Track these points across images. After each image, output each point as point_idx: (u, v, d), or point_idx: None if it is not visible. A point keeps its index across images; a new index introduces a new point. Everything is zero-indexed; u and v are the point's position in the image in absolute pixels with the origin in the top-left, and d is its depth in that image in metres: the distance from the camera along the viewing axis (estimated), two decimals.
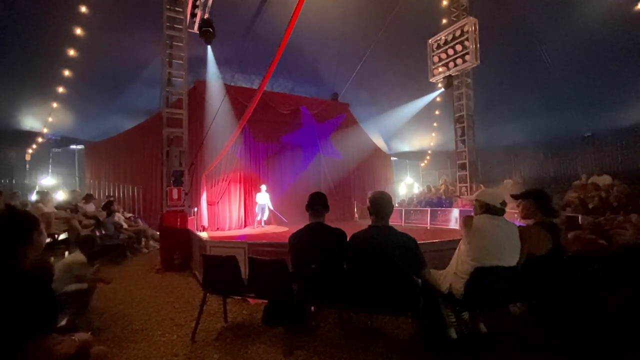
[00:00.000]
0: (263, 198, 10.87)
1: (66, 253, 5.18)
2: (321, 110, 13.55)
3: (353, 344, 2.60)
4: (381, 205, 2.40)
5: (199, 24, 6.87)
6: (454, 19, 10.05)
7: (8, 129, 10.29)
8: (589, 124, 11.69)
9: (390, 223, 2.45)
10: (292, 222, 10.72)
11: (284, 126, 12.78)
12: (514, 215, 3.01)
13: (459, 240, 2.50)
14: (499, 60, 10.53)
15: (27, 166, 10.56)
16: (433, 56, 10.43)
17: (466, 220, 2.38)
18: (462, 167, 10.75)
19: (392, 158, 16.94)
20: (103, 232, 6.42)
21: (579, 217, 6.59)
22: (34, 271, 1.28)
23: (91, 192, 8.95)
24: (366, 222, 2.54)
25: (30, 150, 10.51)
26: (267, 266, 2.71)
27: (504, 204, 2.39)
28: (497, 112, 12.20)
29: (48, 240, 5.25)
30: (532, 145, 13.37)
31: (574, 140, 12.37)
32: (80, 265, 3.19)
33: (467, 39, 9.25)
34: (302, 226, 2.75)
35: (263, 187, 11.00)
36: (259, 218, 10.98)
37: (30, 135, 10.49)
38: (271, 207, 11.13)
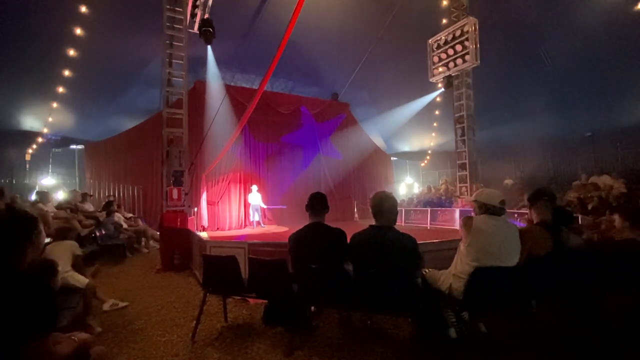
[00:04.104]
0: (255, 198, 10.88)
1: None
2: (321, 110, 13.56)
3: (353, 344, 2.60)
4: (382, 205, 2.39)
5: (199, 24, 6.86)
6: (454, 19, 10.05)
7: (8, 129, 10.30)
8: (589, 124, 11.70)
9: None
10: (291, 222, 10.72)
11: (284, 126, 12.78)
12: (514, 215, 3.01)
13: (459, 240, 2.49)
14: (499, 60, 10.53)
15: (27, 166, 10.57)
16: (433, 56, 10.43)
17: (466, 221, 2.38)
18: (462, 167, 10.75)
19: (392, 158, 16.95)
20: (103, 232, 6.42)
21: (579, 217, 6.60)
22: (33, 271, 1.28)
23: (91, 192, 8.95)
24: (366, 222, 2.54)
25: (30, 150, 10.52)
26: (267, 266, 2.71)
27: (502, 203, 2.38)
28: (497, 112, 12.20)
29: (48, 240, 5.24)
30: (532, 145, 13.37)
31: (574, 140, 12.37)
32: (77, 247, 3.33)
33: (467, 39, 9.25)
34: (301, 226, 2.75)
35: (254, 187, 11.00)
36: (251, 219, 10.97)
37: (30, 135, 10.50)
38: (263, 206, 11.13)
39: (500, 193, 2.46)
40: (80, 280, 3.18)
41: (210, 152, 9.64)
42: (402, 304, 2.28)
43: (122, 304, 3.53)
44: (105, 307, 3.42)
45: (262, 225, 11.00)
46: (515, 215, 7.74)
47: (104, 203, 7.96)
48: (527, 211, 2.72)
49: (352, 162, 14.23)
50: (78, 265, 3.37)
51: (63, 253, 3.27)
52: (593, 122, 11.47)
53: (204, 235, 7.76)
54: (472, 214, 2.55)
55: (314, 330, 2.87)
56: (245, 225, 11.38)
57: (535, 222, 2.61)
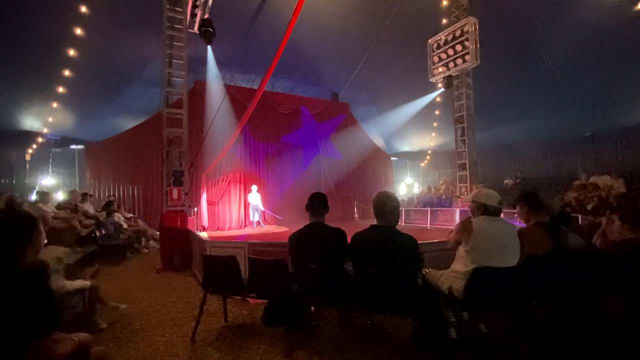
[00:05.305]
0: (254, 198, 10.88)
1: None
2: (321, 110, 13.56)
3: (353, 344, 2.60)
4: (385, 205, 2.39)
5: (199, 24, 6.86)
6: (454, 19, 10.06)
7: (8, 129, 10.30)
8: (589, 124, 11.70)
9: None
10: (291, 222, 10.72)
11: (284, 126, 12.78)
12: (513, 215, 3.00)
13: (456, 241, 2.47)
14: (499, 60, 10.53)
15: (27, 166, 10.57)
16: (433, 56, 10.43)
17: (466, 224, 2.35)
18: (462, 167, 10.75)
19: (392, 158, 16.95)
20: (103, 232, 6.42)
21: (579, 217, 6.60)
22: (32, 271, 1.28)
23: (91, 192, 8.95)
24: (366, 222, 2.55)
25: (30, 150, 10.52)
26: (267, 266, 2.71)
27: (500, 203, 2.38)
28: (497, 112, 12.20)
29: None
30: (532, 145, 13.37)
31: (574, 140, 12.37)
32: (67, 254, 3.24)
33: (467, 39, 9.25)
34: (301, 226, 2.75)
35: (254, 187, 11.03)
36: (251, 219, 11.00)
37: (30, 135, 10.49)
38: (262, 208, 11.14)
39: (497, 193, 2.46)
40: (76, 285, 3.07)
41: (210, 152, 9.64)
42: (402, 304, 2.28)
43: (122, 306, 3.48)
44: (107, 310, 3.33)
45: (262, 225, 11.00)
46: (515, 215, 7.74)
47: (104, 203, 7.96)
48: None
49: (352, 162, 14.23)
50: (70, 272, 3.16)
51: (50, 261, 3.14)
52: (593, 122, 11.46)
53: (204, 235, 7.76)
54: (470, 214, 2.54)
55: (314, 330, 2.87)
56: (245, 225, 11.38)
57: (534, 222, 2.60)
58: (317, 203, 2.72)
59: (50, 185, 10.07)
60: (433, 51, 10.42)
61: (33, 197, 7.02)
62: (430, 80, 10.79)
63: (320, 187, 12.65)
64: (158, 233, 6.95)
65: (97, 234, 6.28)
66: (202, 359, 2.49)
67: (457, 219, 9.77)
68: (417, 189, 15.67)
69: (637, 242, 2.52)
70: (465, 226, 2.33)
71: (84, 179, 10.99)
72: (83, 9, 7.93)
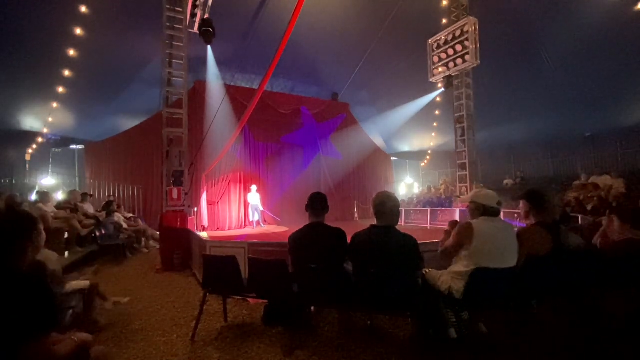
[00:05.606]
0: (254, 198, 10.89)
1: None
2: (321, 110, 13.56)
3: (353, 344, 2.60)
4: (385, 205, 2.39)
5: (199, 24, 6.85)
6: (454, 19, 10.05)
7: (8, 129, 10.31)
8: (589, 124, 11.70)
9: None
10: (291, 222, 10.72)
11: (284, 126, 12.79)
12: (513, 215, 3.00)
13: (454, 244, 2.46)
14: (499, 60, 10.53)
15: (27, 166, 10.58)
16: (433, 56, 10.42)
17: (466, 228, 2.32)
18: (462, 167, 10.74)
19: (392, 158, 16.95)
20: (103, 232, 6.42)
21: (579, 218, 6.60)
22: (32, 271, 1.28)
23: (91, 192, 8.95)
24: (366, 222, 2.55)
25: (30, 150, 10.53)
26: (267, 266, 2.71)
27: (499, 204, 2.38)
28: (497, 112, 12.21)
29: None
30: (532, 145, 13.38)
31: (574, 140, 12.38)
32: (55, 259, 3.22)
33: (467, 39, 9.24)
34: (301, 226, 2.75)
35: (253, 187, 11.04)
36: (251, 219, 11.00)
37: (30, 135, 10.51)
38: (261, 208, 11.14)
39: (495, 193, 2.46)
40: (76, 285, 3.05)
41: (210, 152, 9.65)
42: (402, 304, 2.28)
43: (124, 300, 3.57)
44: (108, 305, 3.36)
45: (262, 225, 10.99)
46: (515, 215, 7.74)
47: (104, 203, 7.96)
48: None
49: (352, 162, 14.23)
50: (57, 279, 2.94)
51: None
52: (593, 122, 11.48)
53: (204, 235, 7.76)
54: (468, 214, 2.53)
55: (314, 330, 2.87)
56: (245, 225, 11.38)
57: (534, 221, 2.60)
58: (317, 203, 2.72)
59: (50, 185, 10.07)
60: (433, 51, 10.41)
61: (33, 197, 7.01)
62: (430, 80, 10.78)
63: (320, 187, 12.65)
64: (158, 233, 6.95)
65: (97, 234, 6.28)
66: (202, 359, 2.49)
67: (457, 219, 9.77)
68: (417, 189, 15.67)
69: (637, 242, 2.52)
70: (467, 230, 2.32)
71: (84, 179, 11.00)
72: (83, 8, 7.93)
